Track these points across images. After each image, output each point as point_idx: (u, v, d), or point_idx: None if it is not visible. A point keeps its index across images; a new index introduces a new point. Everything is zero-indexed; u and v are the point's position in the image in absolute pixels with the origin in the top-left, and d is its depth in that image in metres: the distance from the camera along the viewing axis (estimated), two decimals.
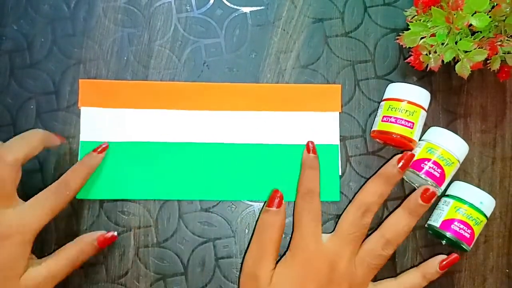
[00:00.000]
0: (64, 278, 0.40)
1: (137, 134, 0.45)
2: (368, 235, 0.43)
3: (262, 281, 0.41)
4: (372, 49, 0.49)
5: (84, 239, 0.42)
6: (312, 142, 0.45)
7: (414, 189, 0.47)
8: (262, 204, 0.46)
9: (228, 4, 0.48)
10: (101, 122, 0.45)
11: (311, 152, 0.44)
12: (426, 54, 0.44)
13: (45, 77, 0.47)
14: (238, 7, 0.48)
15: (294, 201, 0.44)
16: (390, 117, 0.44)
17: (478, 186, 0.45)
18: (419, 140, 0.46)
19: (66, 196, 0.41)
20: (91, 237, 0.42)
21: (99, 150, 0.44)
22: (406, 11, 0.46)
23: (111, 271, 0.45)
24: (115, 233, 0.43)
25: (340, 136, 0.47)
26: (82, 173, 0.42)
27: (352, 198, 0.46)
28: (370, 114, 0.48)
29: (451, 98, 0.48)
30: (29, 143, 0.40)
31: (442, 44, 0.43)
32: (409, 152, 0.43)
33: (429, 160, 0.44)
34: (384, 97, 0.46)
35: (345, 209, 0.44)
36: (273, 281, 0.41)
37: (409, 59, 0.46)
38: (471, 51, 0.42)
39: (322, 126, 0.47)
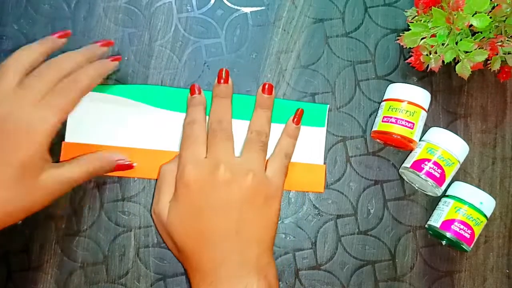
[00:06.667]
0: (78, 185, 0.41)
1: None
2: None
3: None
4: (373, 49, 0.49)
5: (106, 158, 0.43)
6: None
7: (415, 190, 0.47)
8: None
9: (229, 4, 0.48)
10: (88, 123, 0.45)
11: (222, 81, 0.46)
12: (427, 55, 0.44)
13: None
14: (238, 7, 0.48)
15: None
16: (391, 117, 0.44)
17: (478, 187, 0.45)
18: (420, 140, 0.46)
19: (75, 92, 0.39)
20: (112, 157, 0.44)
21: (112, 58, 0.43)
22: (406, 12, 0.46)
23: (111, 271, 0.45)
24: (134, 164, 0.45)
25: (341, 136, 0.47)
26: (93, 73, 0.40)
27: (352, 198, 0.47)
28: (370, 114, 0.48)
29: (451, 98, 0.48)
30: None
31: (443, 44, 0.43)
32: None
33: (429, 160, 0.44)
34: (385, 98, 0.46)
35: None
36: None
37: (409, 59, 0.46)
38: (471, 51, 0.42)
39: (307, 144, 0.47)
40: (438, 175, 0.44)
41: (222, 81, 0.45)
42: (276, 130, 0.46)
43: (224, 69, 0.46)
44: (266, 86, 0.46)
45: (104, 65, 0.42)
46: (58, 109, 0.38)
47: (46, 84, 0.38)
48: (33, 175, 0.37)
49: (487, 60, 0.43)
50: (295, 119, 0.46)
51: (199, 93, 0.46)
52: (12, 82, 0.38)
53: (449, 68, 0.45)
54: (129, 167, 0.45)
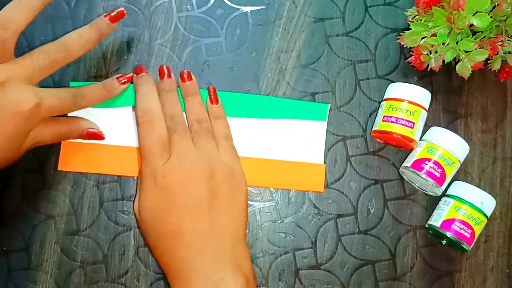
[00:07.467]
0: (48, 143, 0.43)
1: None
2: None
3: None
4: (373, 48, 0.49)
5: (76, 124, 0.44)
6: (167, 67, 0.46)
7: (415, 189, 0.47)
8: (262, 203, 0.46)
9: (229, 3, 0.48)
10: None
11: (165, 76, 0.45)
12: (427, 54, 0.44)
13: None
14: (238, 6, 0.48)
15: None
16: (391, 117, 0.44)
17: (479, 186, 0.45)
18: (420, 140, 0.46)
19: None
20: (82, 124, 0.44)
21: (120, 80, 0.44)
22: (407, 11, 0.46)
23: (111, 271, 0.45)
24: (104, 135, 0.45)
25: (341, 135, 0.47)
26: (99, 100, 0.43)
27: (352, 198, 0.47)
28: (370, 114, 0.48)
29: (451, 98, 0.48)
30: (29, 7, 0.38)
31: (443, 44, 0.43)
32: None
33: (429, 160, 0.44)
34: (385, 97, 0.46)
35: None
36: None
37: (410, 59, 0.46)
38: (472, 51, 0.42)
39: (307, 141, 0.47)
40: (438, 175, 0.44)
41: (165, 76, 0.45)
42: (274, 126, 0.46)
43: (164, 65, 0.46)
44: (185, 75, 0.45)
45: (112, 92, 0.43)
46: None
47: (51, 62, 0.39)
48: (20, 144, 0.40)
49: (487, 59, 0.43)
50: (212, 99, 0.46)
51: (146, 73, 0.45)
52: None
53: (449, 67, 0.45)
54: (99, 136, 0.45)
